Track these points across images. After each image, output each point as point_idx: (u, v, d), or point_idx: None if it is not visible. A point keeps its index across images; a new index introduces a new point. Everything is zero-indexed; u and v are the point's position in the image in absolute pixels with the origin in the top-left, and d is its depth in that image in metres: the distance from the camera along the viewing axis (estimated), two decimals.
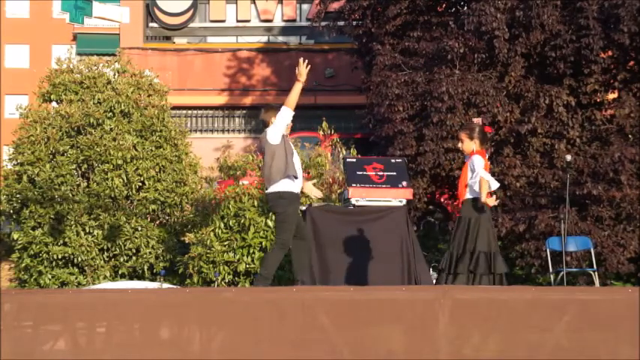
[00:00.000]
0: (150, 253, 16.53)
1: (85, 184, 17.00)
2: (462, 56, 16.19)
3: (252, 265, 14.56)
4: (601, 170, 15.18)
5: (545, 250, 13.16)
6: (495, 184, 9.02)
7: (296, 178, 9.15)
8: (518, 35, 15.96)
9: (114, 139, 16.92)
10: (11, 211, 17.05)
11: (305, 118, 19.17)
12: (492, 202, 8.91)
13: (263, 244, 14.58)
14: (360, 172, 11.01)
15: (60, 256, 16.37)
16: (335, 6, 19.61)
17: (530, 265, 15.60)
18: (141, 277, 16.47)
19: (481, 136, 9.12)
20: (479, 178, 8.84)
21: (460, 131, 9.42)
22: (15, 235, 16.70)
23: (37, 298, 7.76)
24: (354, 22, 19.08)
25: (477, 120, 10.37)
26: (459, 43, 16.01)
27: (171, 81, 23.67)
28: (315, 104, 25.49)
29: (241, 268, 14.57)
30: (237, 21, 27.69)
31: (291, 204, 9.10)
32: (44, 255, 16.43)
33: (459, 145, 9.25)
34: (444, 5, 18.43)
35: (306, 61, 9.09)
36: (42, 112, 17.52)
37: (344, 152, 17.25)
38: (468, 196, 8.97)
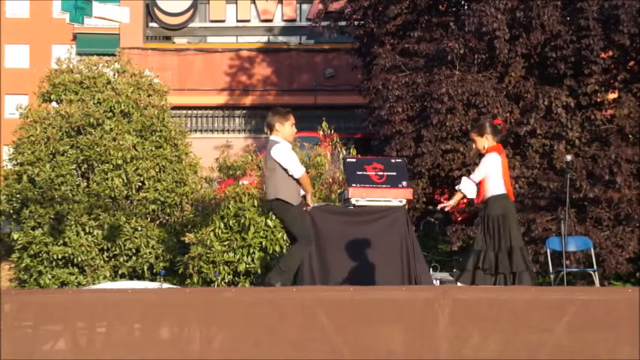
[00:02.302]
0: (150, 253, 16.52)
1: (85, 184, 16.99)
2: (462, 57, 16.18)
3: (252, 265, 14.58)
4: (597, 172, 15.15)
5: (545, 252, 13.16)
6: (471, 194, 9.09)
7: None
8: (518, 36, 15.95)
9: (114, 139, 16.92)
10: (11, 211, 17.06)
11: (305, 118, 19.10)
12: (448, 207, 9.14)
13: (263, 244, 14.59)
14: (360, 172, 11.00)
15: (60, 256, 16.36)
16: (335, 6, 19.60)
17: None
18: (141, 277, 16.46)
19: (491, 129, 9.14)
20: (478, 175, 8.96)
21: (470, 132, 9.44)
22: (15, 235, 16.70)
23: (37, 298, 7.77)
24: (355, 23, 19.06)
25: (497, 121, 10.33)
26: (459, 44, 16.01)
27: (171, 81, 23.67)
28: (315, 104, 25.51)
29: (241, 268, 14.57)
30: (237, 21, 27.70)
31: (294, 204, 9.04)
32: (44, 255, 16.43)
33: (474, 146, 9.28)
34: (445, 5, 18.42)
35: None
36: (42, 112, 17.52)
37: (344, 152, 17.22)
38: (492, 193, 8.97)
